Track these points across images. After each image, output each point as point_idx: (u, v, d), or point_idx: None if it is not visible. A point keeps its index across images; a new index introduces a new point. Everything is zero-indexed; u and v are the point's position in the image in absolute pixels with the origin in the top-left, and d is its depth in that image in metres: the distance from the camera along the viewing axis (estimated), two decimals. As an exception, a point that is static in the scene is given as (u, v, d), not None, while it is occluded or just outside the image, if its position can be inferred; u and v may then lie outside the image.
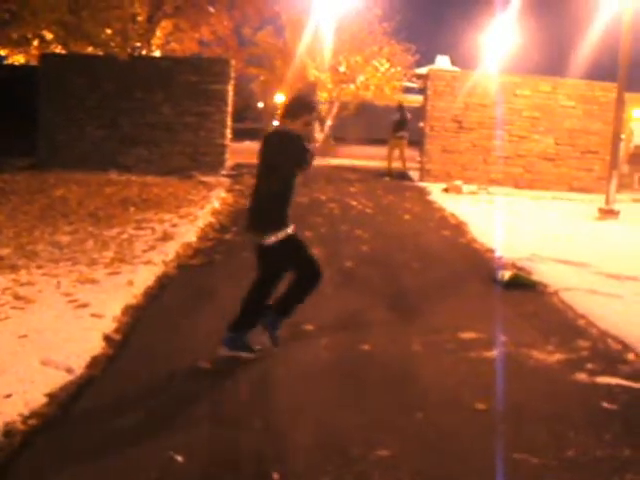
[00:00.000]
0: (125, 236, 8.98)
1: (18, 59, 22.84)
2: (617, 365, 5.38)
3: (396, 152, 19.99)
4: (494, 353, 5.52)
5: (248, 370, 4.96)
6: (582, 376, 5.11)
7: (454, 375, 5.06)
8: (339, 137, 30.29)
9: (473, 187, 17.22)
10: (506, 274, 7.95)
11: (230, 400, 4.45)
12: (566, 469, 3.75)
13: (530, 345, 5.73)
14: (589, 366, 5.31)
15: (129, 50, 19.20)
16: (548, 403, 4.62)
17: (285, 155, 5.06)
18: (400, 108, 20.20)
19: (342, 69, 26.84)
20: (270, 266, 5.21)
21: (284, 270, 5.28)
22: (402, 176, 19.39)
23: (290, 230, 5.11)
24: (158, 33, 22.21)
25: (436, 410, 4.42)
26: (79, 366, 4.65)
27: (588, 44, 21.59)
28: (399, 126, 19.75)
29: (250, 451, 3.80)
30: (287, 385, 4.75)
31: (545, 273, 8.20)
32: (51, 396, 4.18)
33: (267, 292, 5.24)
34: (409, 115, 20.18)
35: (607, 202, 13.73)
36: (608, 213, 13.44)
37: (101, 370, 4.74)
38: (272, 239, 5.01)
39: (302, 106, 5.29)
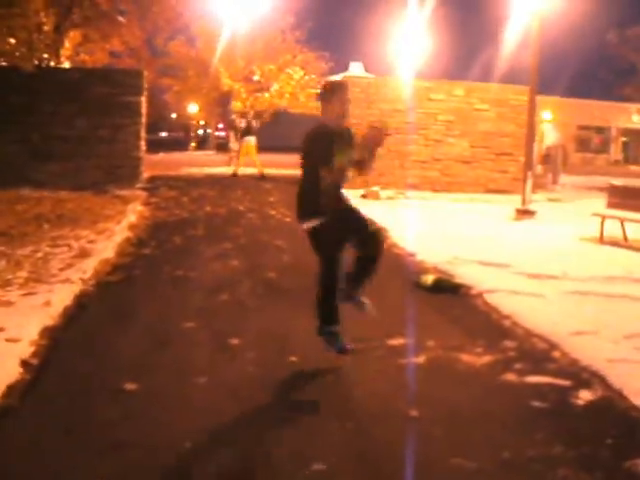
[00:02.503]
0: (40, 254, 8.65)
1: None
2: (544, 364, 5.45)
3: (248, 157, 21.63)
4: (423, 358, 5.51)
5: (177, 389, 4.80)
6: (511, 376, 5.15)
7: (385, 382, 5.02)
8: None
9: (390, 192, 17.37)
10: (429, 278, 7.99)
11: (156, 422, 4.28)
12: (502, 471, 3.75)
13: (458, 348, 5.75)
14: (517, 366, 5.36)
15: (36, 61, 18.59)
16: (480, 406, 4.62)
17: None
18: (246, 115, 23.17)
19: (256, 78, 26.74)
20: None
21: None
22: (263, 178, 20.81)
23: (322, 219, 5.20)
24: (67, 44, 21.57)
25: (369, 419, 4.37)
26: (-5, 395, 4.40)
27: (500, 48, 22.14)
28: (246, 132, 21.74)
29: (172, 474, 3.67)
30: (215, 402, 4.61)
31: (467, 275, 8.28)
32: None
33: (333, 277, 5.28)
34: (254, 122, 22.60)
35: (523, 202, 14.05)
36: (525, 213, 13.74)
37: (19, 398, 4.49)
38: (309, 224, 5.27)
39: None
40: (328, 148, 5.09)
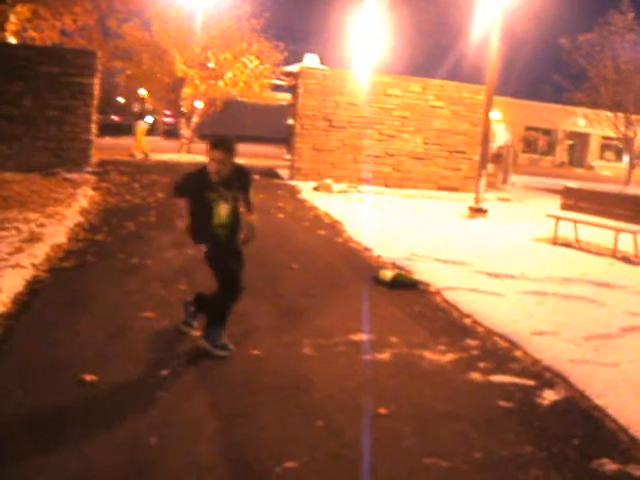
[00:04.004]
0: (-14, 238, 8.34)
1: None
2: (507, 363, 5.46)
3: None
4: (388, 355, 5.46)
5: (137, 380, 4.64)
6: (476, 375, 5.14)
7: (351, 379, 4.94)
8: (206, 134, 29.74)
9: (343, 186, 17.34)
10: (388, 273, 7.95)
11: (118, 414, 4.13)
12: (476, 471, 3.72)
13: (422, 346, 5.72)
14: (481, 365, 5.35)
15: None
16: (448, 404, 4.59)
17: None
18: (141, 100, 25.62)
19: (211, 65, 26.37)
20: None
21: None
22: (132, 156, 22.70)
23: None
24: (12, 18, 20.80)
25: (338, 417, 4.29)
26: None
27: (458, 47, 22.32)
28: (138, 116, 23.64)
29: (136, 470, 3.54)
30: (178, 395, 4.48)
31: (425, 272, 8.27)
32: None
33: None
34: (148, 106, 25.53)
35: (476, 201, 14.15)
36: (477, 211, 13.84)
37: (-29, 389, 4.28)
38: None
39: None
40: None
